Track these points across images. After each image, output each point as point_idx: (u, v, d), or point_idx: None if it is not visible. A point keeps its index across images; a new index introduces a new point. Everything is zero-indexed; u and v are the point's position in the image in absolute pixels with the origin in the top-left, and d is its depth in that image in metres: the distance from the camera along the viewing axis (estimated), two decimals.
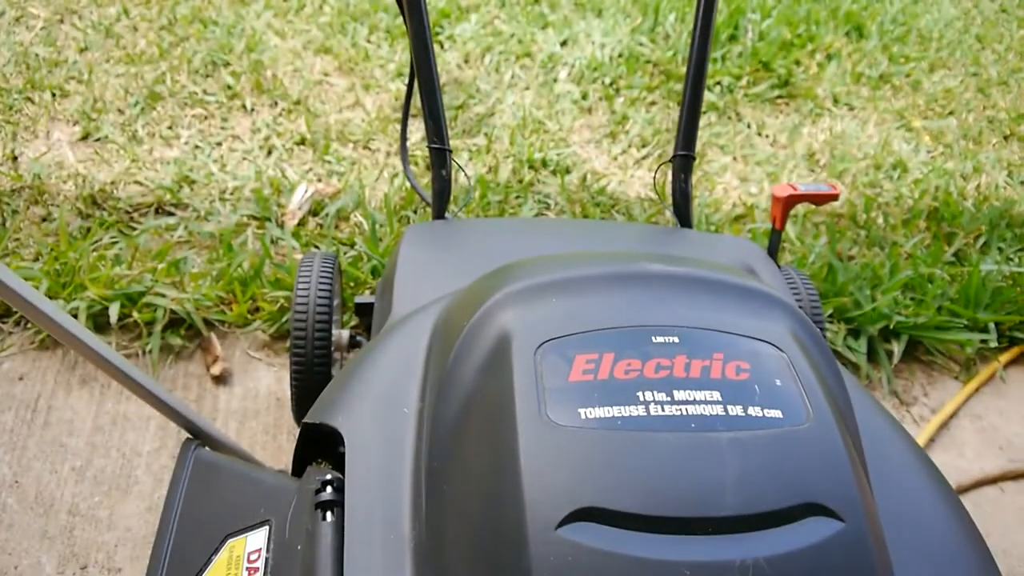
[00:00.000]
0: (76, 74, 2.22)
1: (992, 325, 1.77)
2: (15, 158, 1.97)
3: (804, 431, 0.54)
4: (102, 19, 2.42)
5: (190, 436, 1.13)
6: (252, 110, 2.21)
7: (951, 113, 2.60)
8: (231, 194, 1.95)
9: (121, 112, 2.14)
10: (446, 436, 0.59)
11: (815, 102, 2.52)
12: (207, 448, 0.98)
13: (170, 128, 2.12)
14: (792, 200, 1.25)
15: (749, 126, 2.41)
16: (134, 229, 1.81)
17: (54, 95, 2.15)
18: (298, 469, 0.79)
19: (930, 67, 2.77)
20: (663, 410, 0.52)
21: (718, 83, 2.50)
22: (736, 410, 0.54)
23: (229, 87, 2.25)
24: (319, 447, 0.75)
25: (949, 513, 0.65)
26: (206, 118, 2.17)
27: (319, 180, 2.02)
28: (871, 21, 2.86)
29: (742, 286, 0.66)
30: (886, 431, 0.71)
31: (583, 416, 0.52)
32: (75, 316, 1.53)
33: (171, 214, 1.88)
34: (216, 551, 0.90)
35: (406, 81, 2.05)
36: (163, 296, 1.58)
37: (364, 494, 0.60)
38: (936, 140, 2.47)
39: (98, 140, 2.05)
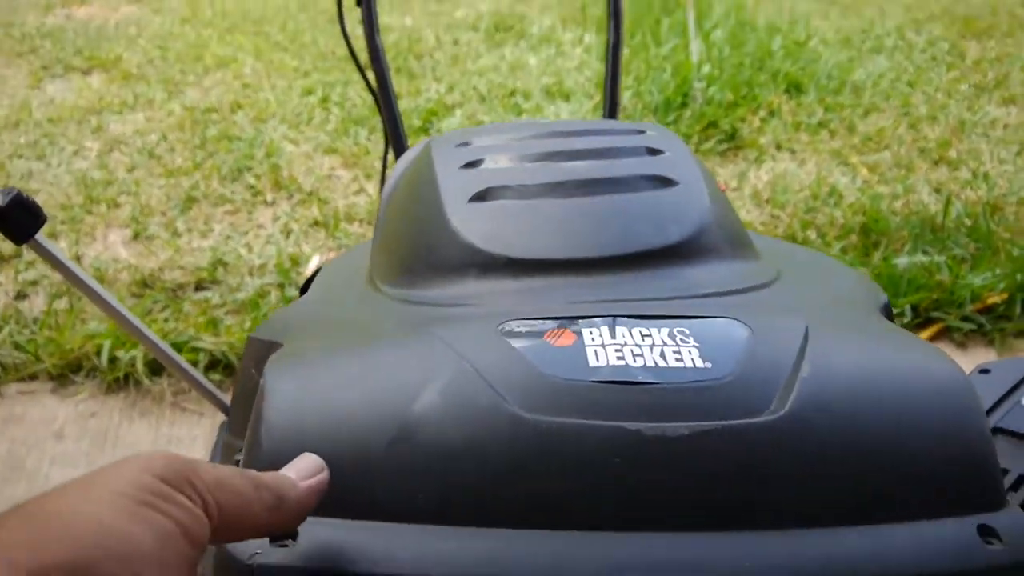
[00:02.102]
0: (125, 188, 2.66)
1: (907, 307, 2.04)
2: (79, 258, 2.37)
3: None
4: (145, 145, 2.89)
5: (226, 419, 1.45)
6: (272, 203, 2.61)
7: (885, 147, 2.93)
8: (258, 269, 2.32)
9: (164, 214, 2.55)
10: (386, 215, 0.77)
11: (759, 150, 2.87)
12: None
13: (205, 224, 2.52)
14: None
15: None
16: (178, 302, 2.19)
17: (108, 207, 2.58)
18: None
19: (864, 112, 3.12)
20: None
21: None
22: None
23: (252, 187, 2.67)
24: None
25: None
26: (234, 213, 2.58)
27: (331, 251, 2.39)
28: (808, 79, 3.24)
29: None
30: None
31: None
32: (133, 363, 1.89)
33: (208, 289, 2.26)
34: None
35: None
36: (203, 340, 1.93)
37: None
38: (872, 171, 2.79)
39: (146, 238, 2.46)
